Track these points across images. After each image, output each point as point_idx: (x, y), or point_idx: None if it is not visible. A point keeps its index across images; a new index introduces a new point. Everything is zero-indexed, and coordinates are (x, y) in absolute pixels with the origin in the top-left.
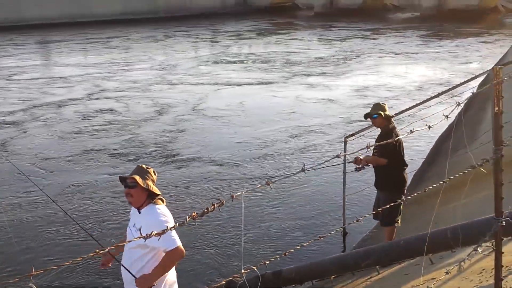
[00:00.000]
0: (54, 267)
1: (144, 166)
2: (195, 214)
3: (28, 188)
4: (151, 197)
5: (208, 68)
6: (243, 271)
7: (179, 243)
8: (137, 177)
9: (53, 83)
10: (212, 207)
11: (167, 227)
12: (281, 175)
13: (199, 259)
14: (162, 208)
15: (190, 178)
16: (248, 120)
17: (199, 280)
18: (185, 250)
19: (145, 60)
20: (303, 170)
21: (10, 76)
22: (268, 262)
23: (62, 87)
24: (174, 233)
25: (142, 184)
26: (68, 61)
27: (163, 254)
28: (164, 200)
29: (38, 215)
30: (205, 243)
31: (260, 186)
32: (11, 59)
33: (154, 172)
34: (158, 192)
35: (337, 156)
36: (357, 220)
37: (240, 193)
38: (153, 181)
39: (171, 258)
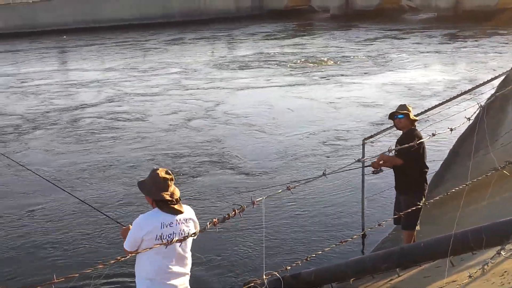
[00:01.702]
0: (76, 275)
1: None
2: (216, 220)
3: (51, 195)
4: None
5: (228, 71)
6: (264, 276)
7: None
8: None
9: (69, 88)
10: (233, 213)
11: None
12: (302, 180)
13: (220, 264)
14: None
15: (211, 184)
16: (269, 124)
17: (220, 285)
18: (207, 255)
19: (162, 64)
20: (324, 174)
21: (27, 81)
22: (289, 267)
23: (78, 92)
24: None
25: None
26: (84, 66)
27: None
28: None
29: (60, 222)
30: (226, 248)
31: (280, 191)
32: (27, 65)
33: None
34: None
35: (358, 160)
36: (379, 225)
37: (261, 198)
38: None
39: None
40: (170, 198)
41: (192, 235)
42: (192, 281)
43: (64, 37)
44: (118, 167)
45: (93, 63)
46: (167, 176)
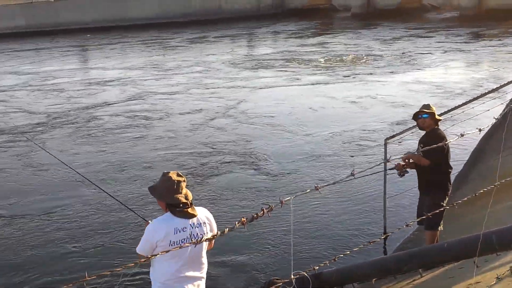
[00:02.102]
0: (107, 273)
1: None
2: (244, 219)
3: (75, 191)
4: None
5: (252, 70)
6: (292, 276)
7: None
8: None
9: (91, 86)
10: (262, 212)
11: None
12: (329, 179)
13: (247, 263)
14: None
15: (237, 184)
16: (293, 123)
17: (247, 284)
18: (235, 255)
19: (185, 63)
20: (352, 174)
21: (49, 79)
22: (317, 267)
23: (100, 90)
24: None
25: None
26: (107, 65)
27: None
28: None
29: (94, 220)
30: (253, 247)
31: (309, 191)
32: (49, 63)
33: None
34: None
35: (388, 161)
36: (407, 225)
37: (289, 198)
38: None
39: None
40: (185, 201)
41: (206, 240)
42: (219, 280)
43: (88, 35)
44: (140, 166)
45: (115, 62)
46: (179, 178)
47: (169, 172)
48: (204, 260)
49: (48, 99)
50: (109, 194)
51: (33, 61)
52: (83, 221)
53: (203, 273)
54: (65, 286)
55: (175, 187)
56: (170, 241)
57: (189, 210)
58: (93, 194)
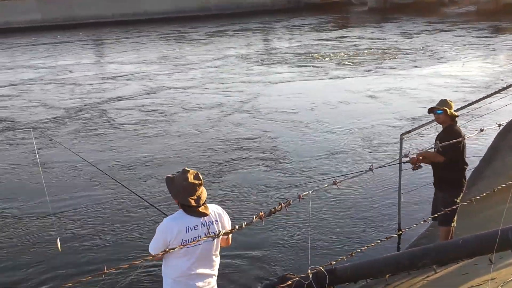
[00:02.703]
0: (125, 266)
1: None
2: (262, 214)
3: (100, 189)
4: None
5: (269, 64)
6: (309, 271)
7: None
8: None
9: (107, 81)
10: (280, 206)
11: None
12: (347, 174)
13: (264, 258)
14: (165, 221)
15: (257, 179)
16: (314, 118)
17: (260, 278)
18: (252, 249)
19: (201, 57)
20: (370, 169)
21: (65, 73)
22: (334, 262)
23: (116, 85)
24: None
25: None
26: (122, 59)
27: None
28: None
29: (111, 213)
30: (271, 242)
31: (327, 186)
32: (66, 57)
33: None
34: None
35: (406, 156)
36: (425, 221)
37: (306, 192)
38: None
39: None
40: (195, 204)
41: (223, 234)
42: (236, 274)
43: (108, 29)
44: (157, 161)
45: (132, 56)
46: (196, 181)
47: (189, 171)
48: (216, 258)
49: (63, 93)
50: (131, 190)
51: (49, 55)
52: (101, 217)
53: (215, 270)
54: (87, 278)
55: (190, 189)
56: (182, 240)
57: (201, 209)
58: (110, 190)
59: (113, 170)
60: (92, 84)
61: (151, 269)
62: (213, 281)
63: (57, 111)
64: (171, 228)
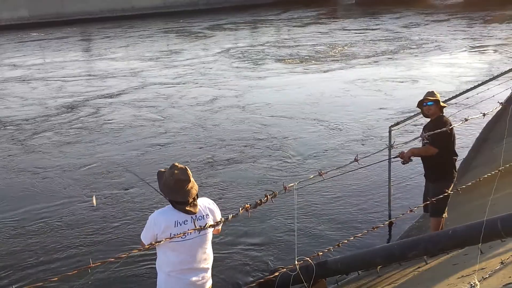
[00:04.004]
0: (111, 259)
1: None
2: (248, 206)
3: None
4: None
5: (258, 60)
6: (296, 262)
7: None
8: None
9: (96, 78)
10: (266, 198)
11: None
12: (334, 166)
13: (251, 250)
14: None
15: (243, 170)
16: (308, 112)
17: (251, 271)
18: (239, 241)
19: (187, 52)
20: (356, 160)
21: (55, 70)
22: (321, 253)
23: (105, 82)
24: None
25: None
26: (111, 56)
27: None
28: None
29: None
30: (257, 234)
31: (313, 177)
32: (53, 54)
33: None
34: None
35: (391, 146)
36: (411, 211)
37: (292, 184)
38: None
39: None
40: (181, 200)
41: (210, 226)
42: (223, 267)
43: (97, 25)
44: (151, 157)
45: (121, 53)
46: (183, 178)
47: (177, 167)
48: (209, 251)
49: (51, 91)
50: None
51: (36, 53)
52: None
53: (208, 264)
54: (72, 272)
55: (176, 186)
56: (171, 234)
57: (188, 207)
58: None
59: (104, 166)
60: (79, 81)
61: (146, 263)
62: (207, 275)
63: (42, 109)
64: (159, 222)
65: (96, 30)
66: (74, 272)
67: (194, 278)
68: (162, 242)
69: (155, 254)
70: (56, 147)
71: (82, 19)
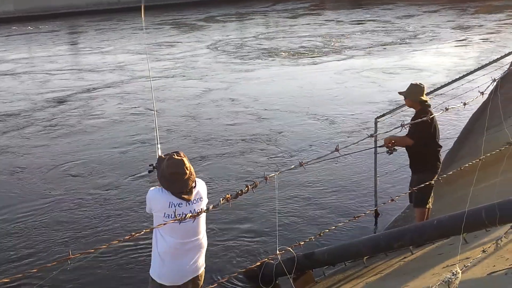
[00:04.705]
0: (91, 250)
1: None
2: (229, 196)
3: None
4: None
5: (245, 53)
6: (278, 252)
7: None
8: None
9: (82, 72)
10: (246, 188)
11: None
12: (315, 157)
13: (232, 242)
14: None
15: (228, 163)
16: (290, 103)
17: (232, 262)
18: (220, 232)
19: (179, 46)
20: (336, 150)
21: (41, 64)
22: (303, 243)
23: (92, 75)
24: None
25: None
26: (99, 49)
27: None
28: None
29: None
30: (239, 225)
31: (293, 167)
32: (41, 47)
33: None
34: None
35: (371, 136)
36: (392, 200)
37: (273, 174)
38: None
39: None
40: (178, 191)
41: (201, 212)
42: (206, 257)
43: (82, 19)
44: (137, 153)
45: (109, 47)
46: (177, 170)
47: (174, 158)
48: (203, 235)
49: (36, 85)
50: None
51: (22, 47)
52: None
53: (201, 246)
54: (52, 263)
55: (173, 178)
56: (165, 213)
57: (184, 195)
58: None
59: (91, 161)
60: (66, 75)
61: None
62: (201, 260)
63: (28, 103)
64: (154, 199)
65: (84, 24)
66: (54, 264)
67: (185, 260)
68: (160, 225)
69: (140, 244)
70: (41, 141)
71: (69, 13)
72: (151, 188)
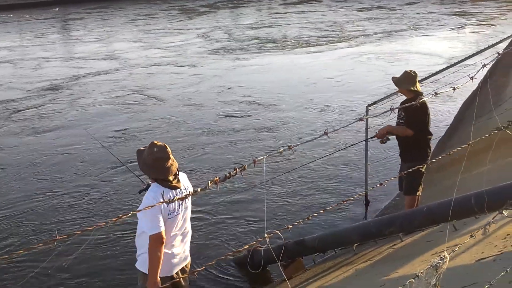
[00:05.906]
0: (78, 232)
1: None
2: (217, 178)
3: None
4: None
5: (242, 40)
6: (266, 235)
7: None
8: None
9: (77, 59)
10: (235, 171)
11: None
12: (304, 140)
13: (221, 226)
14: (147, 198)
15: (215, 148)
16: (287, 91)
17: (221, 247)
18: (208, 216)
19: (173, 33)
20: (325, 133)
21: (32, 53)
22: (291, 226)
23: (84, 64)
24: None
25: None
26: (87, 38)
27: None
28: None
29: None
30: (227, 209)
31: (282, 151)
32: (31, 36)
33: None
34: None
35: (360, 120)
36: (381, 184)
37: (262, 157)
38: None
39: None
40: (162, 178)
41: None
42: (193, 243)
43: (56, 9)
44: (130, 141)
45: (101, 35)
46: (163, 155)
47: (156, 145)
48: (189, 226)
49: (27, 73)
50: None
51: (14, 35)
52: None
53: (188, 237)
54: (38, 245)
55: (157, 164)
56: (169, 211)
57: (174, 182)
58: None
59: (81, 150)
60: (58, 62)
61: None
62: (187, 249)
63: (18, 91)
64: (156, 210)
65: (61, 13)
66: (40, 245)
67: (175, 251)
68: (148, 208)
69: (124, 228)
70: (29, 131)
71: (44, 2)
72: (145, 200)
